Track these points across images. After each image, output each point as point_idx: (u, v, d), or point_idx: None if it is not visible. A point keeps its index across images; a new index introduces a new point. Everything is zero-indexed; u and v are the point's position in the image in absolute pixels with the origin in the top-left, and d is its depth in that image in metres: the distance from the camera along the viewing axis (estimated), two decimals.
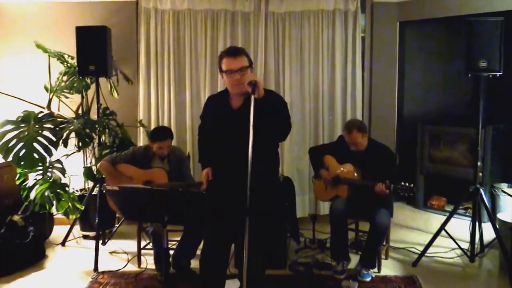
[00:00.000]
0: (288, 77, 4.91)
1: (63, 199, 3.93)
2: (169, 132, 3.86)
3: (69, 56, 4.65)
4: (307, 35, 4.92)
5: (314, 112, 5.01)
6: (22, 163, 3.77)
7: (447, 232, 3.99)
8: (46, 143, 3.87)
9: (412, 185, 3.43)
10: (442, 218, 4.11)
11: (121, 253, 4.21)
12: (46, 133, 3.95)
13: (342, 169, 3.82)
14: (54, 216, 4.56)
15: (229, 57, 2.69)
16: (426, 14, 4.87)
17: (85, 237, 4.61)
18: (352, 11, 4.93)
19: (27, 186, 3.91)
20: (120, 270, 3.80)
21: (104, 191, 3.99)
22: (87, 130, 4.13)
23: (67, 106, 4.66)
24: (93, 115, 4.40)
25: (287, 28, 4.89)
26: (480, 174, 3.98)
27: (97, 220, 4.05)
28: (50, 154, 3.89)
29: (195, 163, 4.76)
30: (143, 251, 3.93)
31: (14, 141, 3.79)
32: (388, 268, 3.82)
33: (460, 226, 4.35)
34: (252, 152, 2.37)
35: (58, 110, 4.61)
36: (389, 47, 5.06)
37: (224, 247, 2.92)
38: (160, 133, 3.82)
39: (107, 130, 4.29)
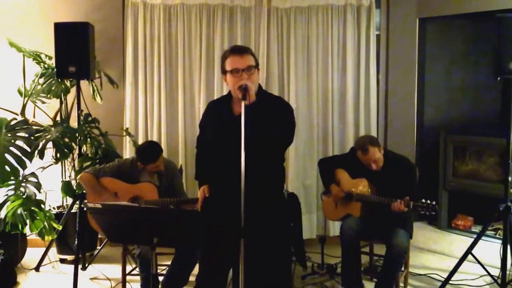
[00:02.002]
0: (294, 81, 4.93)
1: (38, 218, 3.92)
2: (158, 149, 3.88)
3: (46, 56, 4.67)
4: (314, 34, 4.95)
5: (323, 120, 5.02)
6: None
7: (474, 257, 3.97)
8: (19, 154, 3.87)
9: (434, 202, 3.43)
10: (469, 241, 4.10)
11: (104, 279, 4.19)
12: (19, 142, 3.95)
13: (355, 184, 3.82)
14: (28, 237, 4.55)
15: (235, 55, 2.73)
16: (449, 9, 4.89)
17: (62, 261, 4.60)
18: (366, 6, 4.96)
19: None
20: None
21: (84, 209, 3.99)
22: (66, 140, 4.13)
23: (43, 113, 4.67)
24: (73, 123, 4.41)
25: (292, 26, 4.92)
26: None
27: (76, 242, 4.04)
28: (24, 167, 3.89)
29: (188, 177, 4.76)
30: (128, 277, 3.91)
31: None
32: None
33: (489, 249, 4.34)
34: (252, 165, 2.40)
35: (34, 117, 4.62)
36: (407, 46, 5.08)
37: (222, 273, 2.90)
38: (150, 155, 3.81)
39: (88, 139, 4.29)
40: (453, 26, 5.17)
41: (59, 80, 4.48)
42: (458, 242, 4.70)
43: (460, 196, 4.93)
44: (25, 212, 3.89)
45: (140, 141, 4.74)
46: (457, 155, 4.92)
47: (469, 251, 3.95)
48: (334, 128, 5.02)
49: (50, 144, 4.08)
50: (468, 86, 5.22)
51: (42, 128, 4.25)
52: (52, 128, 4.21)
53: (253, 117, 2.49)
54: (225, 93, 3.03)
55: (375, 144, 3.71)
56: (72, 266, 4.05)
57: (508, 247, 3.96)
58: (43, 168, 4.38)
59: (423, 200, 3.45)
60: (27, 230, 4.04)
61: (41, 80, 4.58)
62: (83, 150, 4.37)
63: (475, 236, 4.04)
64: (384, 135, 5.17)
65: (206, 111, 3.03)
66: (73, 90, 4.48)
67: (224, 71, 2.78)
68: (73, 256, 4.13)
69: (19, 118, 4.34)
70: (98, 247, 4.72)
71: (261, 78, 4.81)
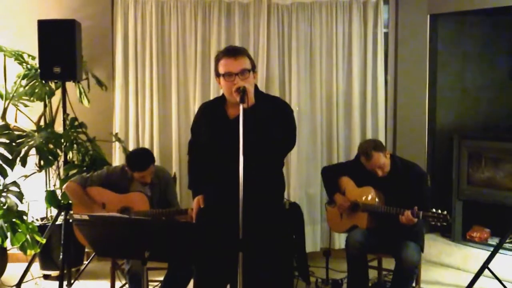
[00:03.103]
0: (295, 82, 4.94)
1: (19, 231, 3.91)
2: (149, 158, 3.87)
3: (29, 56, 4.68)
4: (318, 32, 4.96)
5: (327, 125, 5.03)
6: None
7: (491, 271, 3.96)
8: None
9: (445, 212, 3.43)
10: (485, 254, 4.10)
11: None
12: None
13: (361, 193, 3.83)
14: (8, 252, 4.54)
15: (228, 58, 2.74)
16: (464, 5, 4.90)
17: (46, 277, 4.59)
18: (373, 2, 4.98)
19: None
20: None
21: (70, 220, 3.98)
22: (51, 146, 4.13)
23: (26, 117, 4.67)
24: (58, 128, 4.41)
25: (294, 23, 4.93)
26: None
27: (61, 256, 4.03)
28: (5, 175, 3.89)
29: (182, 186, 4.77)
30: None
31: None
32: None
33: (508, 263, 4.34)
34: (249, 172, 2.42)
35: (15, 122, 4.62)
36: (417, 45, 5.10)
37: None
38: (140, 162, 3.82)
39: (75, 145, 4.29)
40: (468, 23, 5.18)
41: (43, 81, 4.48)
42: (474, 256, 4.69)
43: (476, 206, 4.93)
44: (6, 224, 3.87)
45: (131, 147, 4.74)
46: (472, 161, 4.93)
47: (485, 265, 3.95)
48: (339, 133, 5.03)
49: (33, 151, 4.08)
50: (483, 87, 5.23)
51: (24, 134, 4.25)
52: (36, 134, 4.21)
53: (251, 121, 2.50)
54: None
55: (379, 149, 3.72)
56: (56, 283, 4.04)
57: None
58: (26, 176, 4.37)
59: (434, 210, 3.46)
60: (7, 243, 4.03)
61: (24, 82, 4.58)
62: (69, 157, 4.37)
63: (492, 249, 4.04)
64: (392, 140, 5.18)
65: (198, 115, 3.04)
66: (58, 93, 4.49)
67: (217, 74, 2.80)
68: (58, 271, 4.13)
69: (0, 122, 4.35)
70: (85, 262, 4.71)
71: (261, 80, 4.82)
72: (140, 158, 3.88)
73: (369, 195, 3.78)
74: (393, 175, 3.75)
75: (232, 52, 2.77)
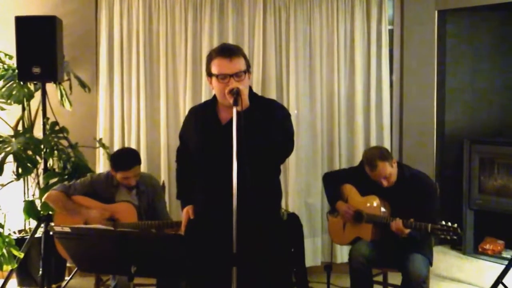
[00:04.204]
0: (294, 83, 4.95)
1: None
2: (135, 158, 3.89)
3: (6, 55, 4.69)
4: (318, 29, 4.98)
5: (328, 129, 5.04)
6: None
7: (505, 287, 3.98)
8: None
9: (456, 225, 3.43)
10: (499, 268, 4.11)
11: None
12: None
13: (365, 202, 3.84)
14: None
15: (223, 58, 2.73)
16: None
17: None
18: None
19: None
20: None
21: (51, 233, 3.97)
22: (30, 152, 4.13)
23: (3, 121, 4.67)
24: (38, 133, 4.41)
25: (292, 20, 4.94)
26: None
27: (41, 272, 4.03)
28: None
29: (171, 196, 4.76)
30: None
31: None
32: None
33: None
34: (243, 181, 2.43)
35: None
36: (425, 43, 5.11)
37: None
38: (124, 160, 3.83)
39: (56, 152, 4.29)
40: (479, 19, 5.19)
41: (21, 83, 4.48)
42: (487, 270, 4.70)
43: (488, 216, 4.94)
44: None
45: None
46: (484, 168, 4.94)
47: (499, 280, 3.95)
48: (340, 137, 5.03)
49: (10, 158, 4.07)
50: (496, 87, 5.24)
51: (1, 139, 4.24)
52: (13, 139, 4.21)
53: (246, 125, 2.50)
54: None
55: (386, 158, 3.72)
56: None
57: None
58: (2, 185, 4.38)
59: (443, 223, 3.46)
60: None
61: (0, 83, 4.58)
62: (49, 164, 4.37)
63: (506, 262, 4.05)
64: (398, 145, 5.19)
65: (187, 119, 3.04)
66: (38, 95, 4.48)
67: (209, 74, 2.79)
68: None
69: None
70: (67, 278, 4.70)
71: (257, 81, 4.84)
72: (124, 156, 3.90)
73: (374, 205, 3.79)
74: (399, 186, 3.76)
75: (227, 52, 2.75)
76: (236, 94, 2.57)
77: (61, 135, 4.37)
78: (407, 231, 3.52)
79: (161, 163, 4.91)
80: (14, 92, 4.54)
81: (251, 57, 4.86)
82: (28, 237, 4.39)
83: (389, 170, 3.71)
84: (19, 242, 4.30)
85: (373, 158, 3.71)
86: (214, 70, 2.75)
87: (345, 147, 5.05)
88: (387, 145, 4.94)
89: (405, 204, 3.65)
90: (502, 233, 4.97)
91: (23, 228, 4.76)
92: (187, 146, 3.00)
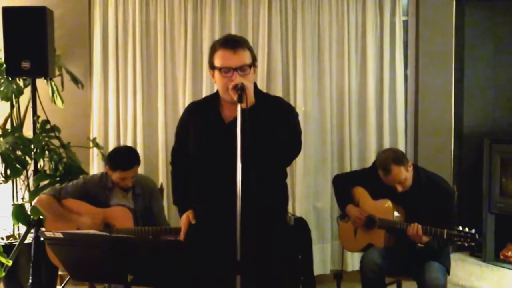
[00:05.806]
0: (301, 79, 4.95)
1: None
2: (135, 156, 3.89)
3: None
4: (327, 21, 4.98)
5: (338, 128, 5.04)
6: None
7: None
8: None
9: (473, 231, 3.43)
10: None
11: None
12: None
13: (377, 206, 3.84)
14: None
15: (227, 50, 2.72)
16: None
17: None
18: None
19: None
20: None
21: (42, 239, 3.99)
22: (19, 153, 4.14)
23: None
24: (27, 131, 4.43)
25: (299, 11, 4.95)
26: None
27: (30, 280, 4.04)
28: None
29: (170, 199, 4.75)
30: None
31: None
32: None
33: None
34: (248, 184, 2.42)
35: None
36: (441, 35, 5.11)
37: None
38: (123, 159, 3.83)
39: (46, 152, 4.30)
40: (500, 9, 5.20)
41: (10, 78, 4.49)
42: (508, 278, 4.71)
43: (510, 221, 4.94)
44: None
45: None
46: (506, 169, 4.94)
47: None
48: (351, 137, 5.04)
49: None
50: None
51: None
52: (1, 139, 4.22)
53: (251, 124, 2.50)
54: None
55: (401, 162, 3.70)
56: None
57: None
58: None
59: (460, 228, 3.45)
60: None
61: None
62: (40, 165, 4.38)
63: None
64: (413, 145, 5.19)
65: (186, 117, 3.00)
66: (27, 91, 4.49)
67: (212, 67, 2.78)
68: None
69: None
70: (59, 287, 4.72)
71: (261, 77, 4.84)
72: (124, 155, 3.89)
73: (387, 209, 3.78)
74: (415, 190, 3.75)
75: (231, 43, 2.74)
76: (240, 90, 2.55)
77: (52, 134, 4.38)
78: (425, 239, 3.51)
79: (159, 164, 4.91)
80: (1, 88, 4.54)
81: (255, 50, 4.79)
82: (17, 243, 4.40)
83: (404, 174, 3.70)
84: (7, 249, 4.30)
85: (387, 162, 3.69)
86: (217, 62, 2.73)
87: (357, 146, 5.05)
88: (401, 144, 4.94)
89: (420, 210, 3.65)
90: None
91: (12, 233, 4.77)
92: (185, 147, 2.96)
